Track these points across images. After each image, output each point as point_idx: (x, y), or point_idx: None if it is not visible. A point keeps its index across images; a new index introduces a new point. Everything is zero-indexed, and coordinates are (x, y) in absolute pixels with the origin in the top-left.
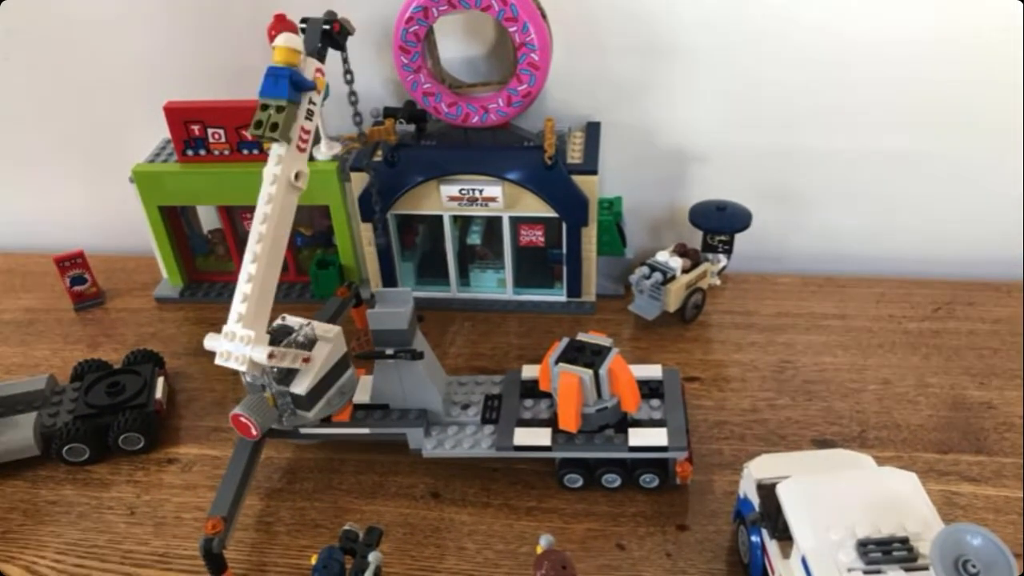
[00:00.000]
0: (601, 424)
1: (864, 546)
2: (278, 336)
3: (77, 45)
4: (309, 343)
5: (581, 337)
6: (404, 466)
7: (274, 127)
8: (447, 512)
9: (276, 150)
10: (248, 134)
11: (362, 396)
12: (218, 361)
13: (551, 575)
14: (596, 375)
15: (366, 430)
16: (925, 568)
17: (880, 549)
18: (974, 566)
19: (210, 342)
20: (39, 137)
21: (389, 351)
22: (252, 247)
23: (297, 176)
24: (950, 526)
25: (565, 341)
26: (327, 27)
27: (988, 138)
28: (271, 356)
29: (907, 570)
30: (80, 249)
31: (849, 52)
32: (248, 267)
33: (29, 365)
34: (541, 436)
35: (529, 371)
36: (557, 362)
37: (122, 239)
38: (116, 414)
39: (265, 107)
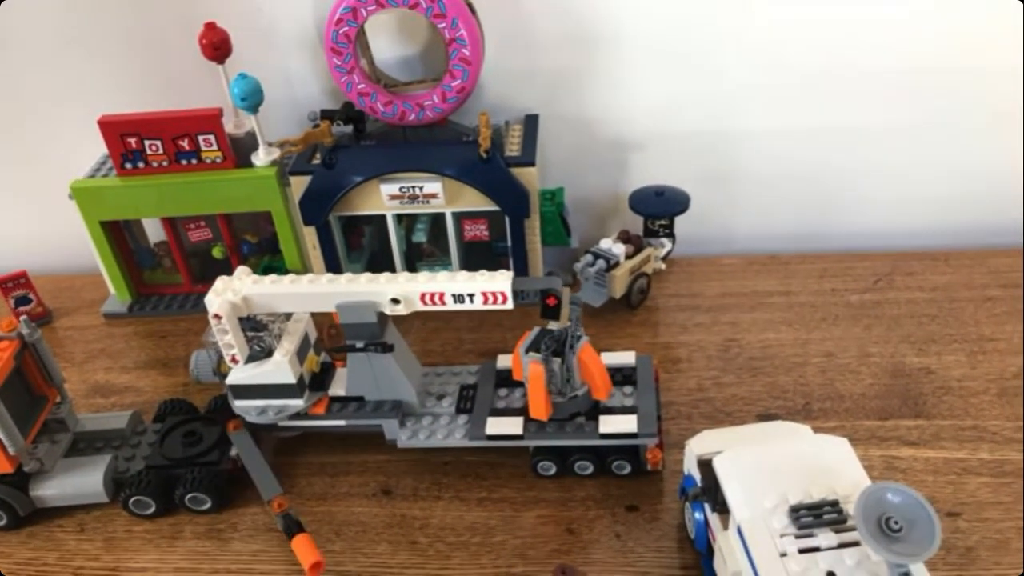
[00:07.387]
0: (572, 412)
1: (796, 512)
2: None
3: (5, 60)
4: (266, 351)
5: (551, 326)
6: (355, 466)
7: None
8: (398, 508)
9: None
10: None
11: (338, 388)
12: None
13: None
14: (564, 363)
15: (342, 422)
16: (853, 529)
17: (811, 513)
18: (896, 523)
19: None
20: None
21: (360, 344)
22: None
23: None
24: (872, 485)
25: (536, 331)
26: None
27: (923, 113)
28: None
29: (837, 532)
30: (23, 269)
31: (779, 33)
32: None
33: None
34: (513, 425)
35: (504, 361)
36: (527, 351)
37: (67, 257)
38: (186, 468)
39: None
